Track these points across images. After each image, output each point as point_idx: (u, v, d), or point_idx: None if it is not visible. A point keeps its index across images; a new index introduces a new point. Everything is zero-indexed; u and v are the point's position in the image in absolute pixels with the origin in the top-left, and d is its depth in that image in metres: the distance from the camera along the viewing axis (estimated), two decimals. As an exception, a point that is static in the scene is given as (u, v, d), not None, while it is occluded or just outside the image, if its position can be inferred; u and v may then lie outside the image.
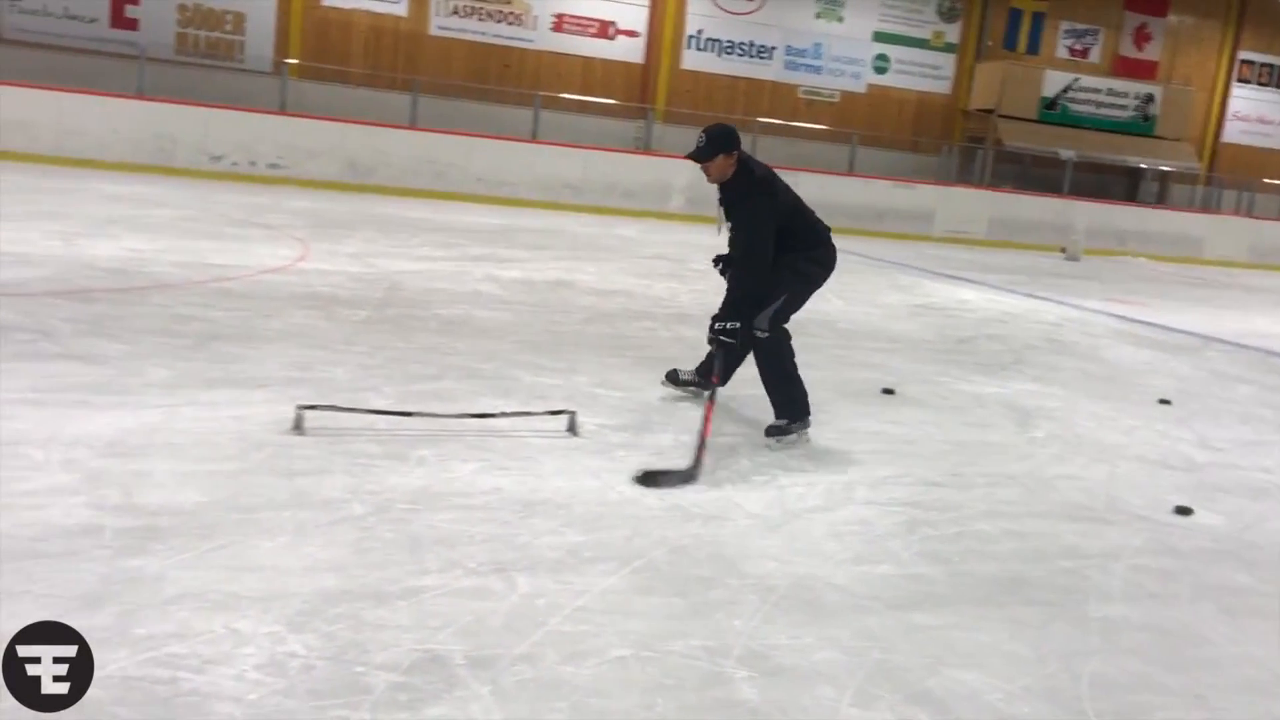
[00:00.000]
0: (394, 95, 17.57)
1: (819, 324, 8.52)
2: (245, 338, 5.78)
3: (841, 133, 20.29)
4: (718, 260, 5.28)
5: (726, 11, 20.25)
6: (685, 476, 4.21)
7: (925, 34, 22.02)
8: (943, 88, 22.42)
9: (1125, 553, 3.90)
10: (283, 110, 16.28)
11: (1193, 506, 4.46)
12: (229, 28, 17.49)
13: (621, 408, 5.18)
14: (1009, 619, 3.23)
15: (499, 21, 18.82)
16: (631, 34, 19.59)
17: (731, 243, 5.11)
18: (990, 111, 22.21)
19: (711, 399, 4.73)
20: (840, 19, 21.07)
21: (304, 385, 4.91)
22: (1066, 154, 21.74)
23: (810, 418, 5.00)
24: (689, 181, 17.86)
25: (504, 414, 4.72)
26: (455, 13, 18.59)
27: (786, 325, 5.07)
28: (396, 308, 7.23)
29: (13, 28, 16.34)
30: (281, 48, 17.75)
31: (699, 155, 4.90)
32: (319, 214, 12.54)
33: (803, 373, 6.54)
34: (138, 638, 2.56)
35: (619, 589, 3.15)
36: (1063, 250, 18.89)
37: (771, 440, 4.86)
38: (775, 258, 4.92)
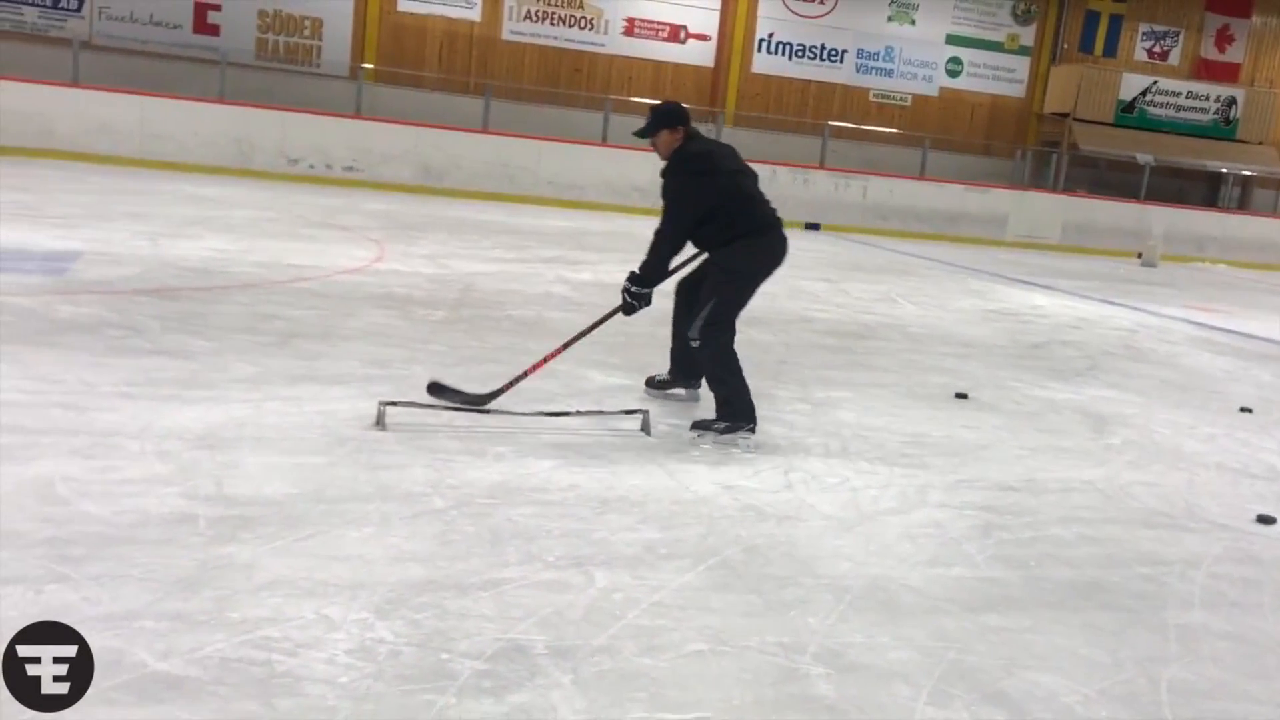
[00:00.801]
0: (467, 99, 17.80)
1: (890, 328, 8.51)
2: (325, 336, 5.92)
3: (913, 136, 20.14)
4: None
5: (798, 15, 20.20)
6: (474, 400, 4.55)
7: (999, 37, 21.78)
8: (1016, 91, 22.16)
9: (1205, 560, 3.86)
10: (358, 114, 16.58)
11: (1276, 516, 4.39)
12: (307, 33, 17.85)
13: (693, 409, 5.22)
14: (1085, 624, 3.21)
15: (570, 26, 18.98)
16: (702, 37, 19.63)
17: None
18: (1065, 115, 21.90)
19: (563, 346, 4.90)
20: (913, 22, 20.92)
21: (383, 382, 5.02)
22: (1144, 158, 21.35)
23: (753, 425, 4.73)
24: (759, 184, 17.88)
25: (579, 413, 4.79)
26: (528, 17, 18.78)
27: (730, 328, 4.84)
28: (471, 308, 7.35)
29: (101, 34, 16.82)
30: (358, 53, 18.07)
31: (642, 132, 4.83)
32: (393, 216, 12.76)
33: (874, 375, 6.58)
34: (233, 621, 2.65)
35: (695, 585, 3.19)
36: (1139, 256, 18.57)
37: (694, 432, 4.72)
38: (716, 246, 4.82)
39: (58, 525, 3.09)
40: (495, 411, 4.63)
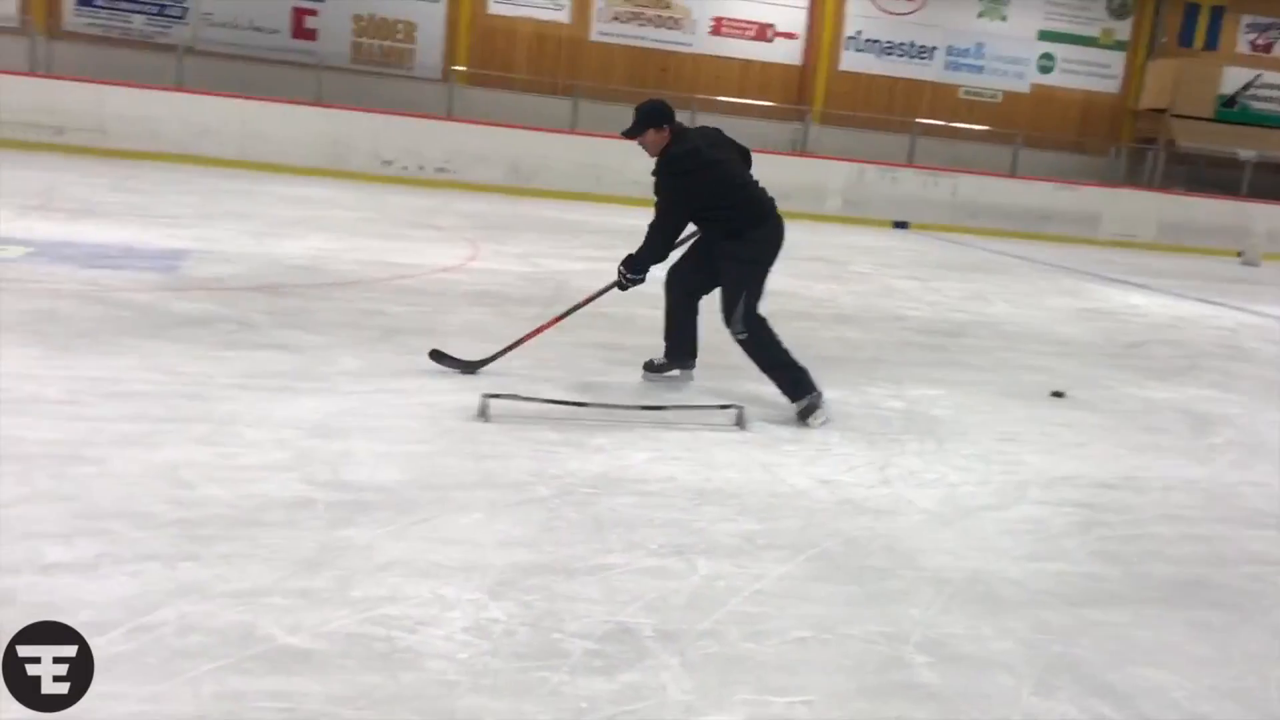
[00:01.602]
0: (555, 100, 17.99)
1: (982, 326, 8.44)
2: (426, 331, 6.07)
3: (1004, 134, 19.84)
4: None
5: (887, 12, 20.04)
6: (467, 366, 4.98)
7: (1094, 32, 21.35)
8: (1111, 87, 21.69)
9: (1315, 561, 3.79)
10: (450, 116, 16.86)
11: (1388, 517, 4.29)
12: (401, 37, 18.21)
13: (786, 404, 5.25)
14: (1191, 621, 3.19)
15: (658, 26, 19.08)
16: (790, 36, 19.58)
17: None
18: (1162, 111, 21.37)
19: (557, 318, 5.31)
20: (1004, 18, 20.62)
21: (483, 376, 5.15)
22: (1246, 154, 20.75)
23: (819, 391, 4.95)
24: (846, 183, 17.78)
25: (675, 407, 4.87)
26: (616, 18, 18.92)
27: (761, 314, 5.01)
28: (564, 305, 7.41)
29: (203, 40, 17.36)
30: (450, 56, 18.38)
31: (628, 132, 4.95)
32: (485, 216, 12.97)
33: (967, 373, 6.54)
34: (355, 599, 2.78)
35: (795, 575, 3.24)
36: (1240, 255, 18.06)
37: (809, 420, 4.88)
38: (711, 247, 5.03)
39: (186, 508, 3.25)
40: (592, 405, 4.73)
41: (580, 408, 4.69)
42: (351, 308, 6.48)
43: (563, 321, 5.45)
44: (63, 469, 3.45)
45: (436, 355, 5.15)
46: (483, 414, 4.49)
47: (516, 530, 3.36)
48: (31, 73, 15.65)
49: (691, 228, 5.12)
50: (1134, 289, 12.42)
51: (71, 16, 17.07)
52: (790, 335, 6.32)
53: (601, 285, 5.40)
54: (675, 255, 5.22)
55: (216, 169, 14.83)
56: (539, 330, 5.36)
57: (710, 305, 5.21)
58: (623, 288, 5.18)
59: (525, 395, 4.67)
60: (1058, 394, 6.10)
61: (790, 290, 9.23)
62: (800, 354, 5.10)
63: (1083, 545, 3.73)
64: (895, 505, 3.96)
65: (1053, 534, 3.83)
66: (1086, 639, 2.98)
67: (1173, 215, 19.52)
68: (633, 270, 5.06)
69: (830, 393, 5.45)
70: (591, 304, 5.44)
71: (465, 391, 4.76)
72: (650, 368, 5.53)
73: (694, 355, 5.48)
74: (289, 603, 2.72)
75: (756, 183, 5.08)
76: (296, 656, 2.47)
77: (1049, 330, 8.60)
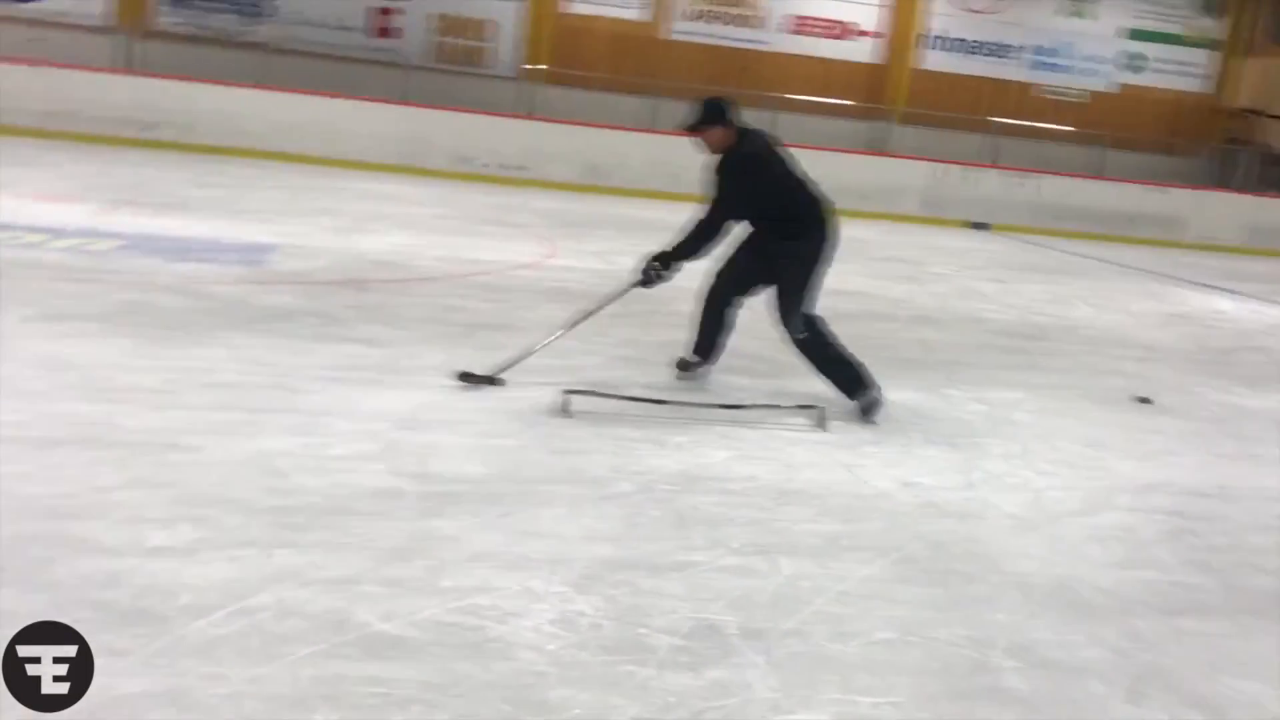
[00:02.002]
0: (632, 99, 18.02)
1: (1065, 330, 8.30)
2: (506, 327, 6.13)
3: (1089, 134, 19.45)
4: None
5: (970, 10, 19.75)
6: (490, 379, 4.75)
7: (1183, 30, 20.82)
8: (1201, 86, 21.13)
9: None
10: (528, 115, 16.98)
11: None
12: (481, 36, 18.39)
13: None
14: (1288, 633, 3.12)
15: (736, 24, 19.02)
16: (870, 34, 19.39)
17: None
18: (1256, 112, 20.77)
19: (579, 320, 5.19)
20: (1090, 16, 20.21)
21: (563, 372, 5.18)
22: (1341, 157, 20.08)
23: (878, 385, 4.95)
24: (925, 183, 17.57)
25: (755, 406, 4.86)
26: (694, 17, 18.91)
27: (817, 312, 5.03)
28: (641, 304, 7.42)
29: (288, 38, 17.68)
30: (528, 55, 18.50)
31: (692, 126, 4.85)
32: (561, 214, 13.05)
33: (1050, 377, 6.45)
34: (445, 588, 2.83)
35: (879, 577, 3.22)
36: (1334, 260, 17.51)
37: (870, 418, 4.88)
38: (763, 250, 4.98)
39: (280, 496, 3.34)
40: (672, 403, 4.74)
41: (659, 405, 4.71)
42: (433, 303, 6.57)
43: (640, 318, 5.44)
44: (162, 456, 3.55)
45: (465, 377, 4.81)
46: (564, 410, 4.53)
47: (600, 525, 3.39)
48: (123, 70, 16.07)
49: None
50: (1222, 294, 12.11)
51: (161, 16, 17.49)
52: (868, 336, 6.32)
53: (622, 285, 5.25)
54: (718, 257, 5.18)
55: (299, 165, 15.10)
56: (560, 335, 5.20)
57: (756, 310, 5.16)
58: (649, 284, 5.05)
59: (605, 392, 4.70)
60: (1144, 400, 5.98)
61: (868, 291, 9.16)
62: (879, 355, 5.09)
63: (1174, 554, 3.66)
64: (979, 509, 3.92)
65: (1143, 541, 3.76)
66: (1178, 648, 2.94)
67: (1265, 219, 18.97)
68: (665, 264, 4.97)
69: (910, 394, 5.42)
70: (668, 302, 5.42)
71: (546, 387, 4.80)
72: (684, 365, 5.43)
73: (720, 354, 5.38)
74: (381, 590, 2.78)
75: (814, 184, 5.06)
76: (390, 643, 2.53)
77: (1134, 335, 8.42)
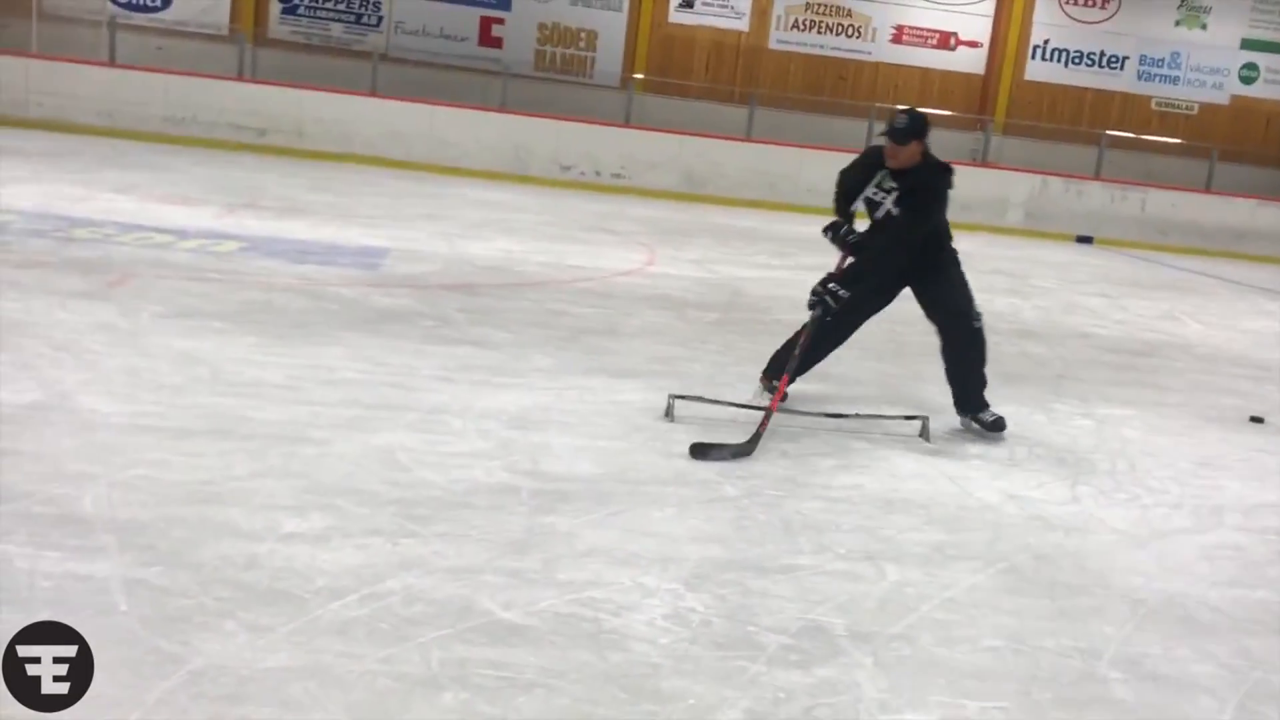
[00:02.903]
0: (731, 108, 18.09)
1: (1174, 346, 8.14)
2: (610, 333, 6.26)
3: (1199, 147, 18.95)
4: (837, 230, 5.12)
5: (1076, 20, 19.41)
6: (739, 450, 4.23)
7: (1305, 40, 20.17)
8: (1319, 99, 20.46)
9: None
10: (627, 123, 17.16)
11: None
12: (583, 45, 18.64)
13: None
14: (1407, 658, 3.06)
15: (838, 34, 18.97)
16: (974, 44, 19.18)
17: (877, 223, 5.01)
18: (1376, 124, 20.05)
19: (791, 377, 4.87)
20: (1204, 26, 19.69)
21: (667, 377, 5.29)
22: None
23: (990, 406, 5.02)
24: (1028, 195, 17.32)
25: (860, 415, 4.90)
26: (795, 26, 18.91)
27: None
28: (741, 311, 7.58)
29: (396, 47, 18.14)
30: (629, 63, 18.70)
31: (900, 136, 4.76)
32: (659, 222, 13.17)
33: (1159, 394, 6.37)
34: (561, 582, 2.94)
35: (985, 586, 3.25)
36: None
37: (986, 430, 4.94)
38: (937, 252, 5.00)
39: (403, 489, 3.49)
40: (779, 410, 4.78)
41: (763, 411, 4.77)
42: (539, 308, 6.73)
43: (741, 325, 5.50)
44: (291, 448, 3.74)
45: (700, 450, 4.19)
46: (669, 414, 4.62)
47: (708, 527, 3.47)
48: (238, 77, 16.65)
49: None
50: (1340, 313, 11.72)
51: (276, 25, 18.08)
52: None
53: (805, 321, 5.01)
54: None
55: (405, 171, 15.47)
56: (782, 390, 4.82)
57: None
58: (829, 311, 4.84)
59: (711, 398, 4.79)
60: (1257, 419, 5.86)
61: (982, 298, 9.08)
62: (985, 368, 5.08)
63: (1287, 574, 3.62)
64: (1086, 523, 3.91)
65: (1255, 561, 3.72)
66: (1293, 669, 2.91)
67: (1383, 236, 18.28)
68: (847, 285, 4.80)
69: (1015, 408, 5.39)
70: (769, 310, 5.46)
71: (651, 392, 4.91)
72: (767, 386, 5.21)
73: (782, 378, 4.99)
74: (501, 580, 2.90)
75: None
76: (512, 630, 2.64)
77: (1247, 354, 8.23)
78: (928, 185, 4.86)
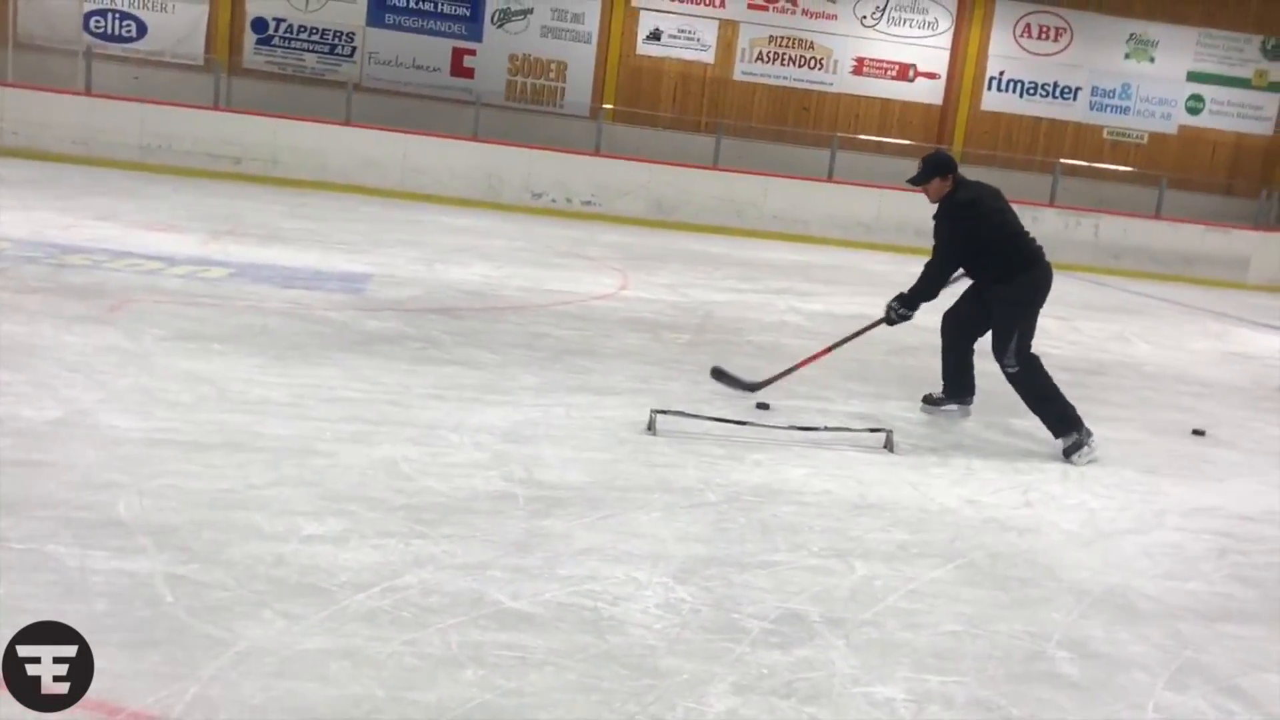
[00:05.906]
0: (698, 137, 18.52)
1: (1124, 366, 8.55)
2: (590, 353, 6.56)
3: (1149, 175, 19.59)
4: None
5: (1031, 53, 20.04)
6: (750, 386, 5.46)
7: (1246, 73, 20.90)
8: (1264, 129, 21.18)
9: None
10: (597, 152, 17.53)
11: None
12: (553, 75, 19.02)
13: (933, 430, 5.58)
14: (1323, 640, 3.41)
15: (800, 66, 19.47)
16: (932, 76, 19.75)
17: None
18: (1320, 154, 20.78)
19: (827, 350, 5.84)
20: (1151, 59, 20.39)
21: (647, 394, 5.59)
22: None
23: (1088, 430, 5.33)
24: (985, 222, 17.81)
25: (827, 428, 5.23)
26: (759, 58, 19.39)
27: (1034, 352, 5.48)
28: (714, 333, 7.89)
29: (369, 77, 18.44)
30: (598, 94, 19.09)
31: (915, 180, 5.46)
32: (630, 247, 13.50)
33: (1109, 410, 6.72)
34: (561, 576, 3.23)
35: (945, 580, 3.58)
36: (1400, 303, 17.45)
37: (1074, 458, 5.23)
38: (983, 292, 5.50)
39: (409, 495, 3.77)
40: (750, 424, 5.12)
41: (739, 426, 5.09)
42: (522, 330, 7.02)
43: (714, 346, 5.82)
44: (302, 460, 4.01)
45: (718, 373, 5.79)
46: (651, 428, 4.93)
47: (692, 528, 3.78)
48: (214, 106, 16.87)
49: (959, 273, 5.59)
50: (1283, 334, 12.24)
51: (251, 55, 18.32)
52: (932, 369, 6.63)
53: (867, 321, 5.91)
54: (948, 299, 5.74)
55: (380, 199, 15.74)
56: (814, 358, 5.88)
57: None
58: (891, 322, 5.63)
59: (691, 413, 5.10)
60: (1198, 432, 6.24)
61: (929, 325, 9.46)
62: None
63: (1219, 569, 3.97)
64: (1037, 525, 4.25)
65: (1190, 557, 4.07)
66: (1219, 648, 3.25)
67: (1328, 261, 18.95)
68: (905, 305, 5.54)
69: (972, 423, 5.75)
70: (740, 332, 5.82)
71: (633, 409, 5.22)
72: (929, 400, 5.96)
73: (971, 392, 5.87)
74: (508, 575, 3.19)
75: (1027, 233, 5.56)
76: (521, 617, 2.93)
77: (1191, 372, 8.65)
78: (937, 218, 5.46)
